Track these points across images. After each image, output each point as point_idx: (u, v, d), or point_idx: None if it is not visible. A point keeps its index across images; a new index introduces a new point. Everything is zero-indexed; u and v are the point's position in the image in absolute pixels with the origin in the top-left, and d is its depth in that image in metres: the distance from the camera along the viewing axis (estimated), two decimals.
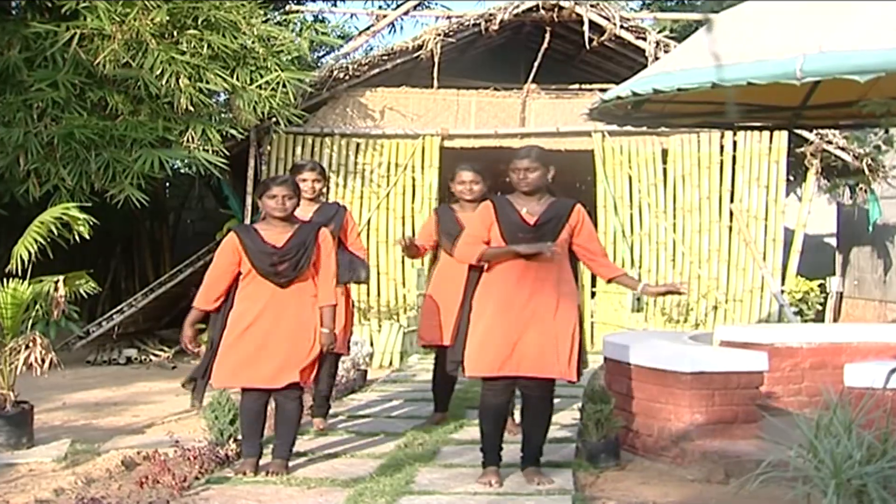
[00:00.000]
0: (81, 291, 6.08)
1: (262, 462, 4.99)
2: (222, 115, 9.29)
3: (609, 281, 5.02)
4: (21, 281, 5.63)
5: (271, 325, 4.85)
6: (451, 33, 10.59)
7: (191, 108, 8.65)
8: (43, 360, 5.44)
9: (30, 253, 5.85)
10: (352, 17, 12.29)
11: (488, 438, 4.75)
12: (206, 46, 8.68)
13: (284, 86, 8.96)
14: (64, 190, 8.48)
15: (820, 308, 11.12)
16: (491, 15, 10.59)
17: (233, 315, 4.92)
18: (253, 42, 8.96)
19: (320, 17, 10.56)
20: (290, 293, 4.89)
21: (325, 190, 6.12)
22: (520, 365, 4.61)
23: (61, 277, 5.86)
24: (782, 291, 10.59)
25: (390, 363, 9.42)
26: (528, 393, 4.76)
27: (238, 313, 4.91)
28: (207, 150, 8.85)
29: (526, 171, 4.68)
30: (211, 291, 4.95)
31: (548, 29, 10.77)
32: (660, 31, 11.54)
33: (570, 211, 4.72)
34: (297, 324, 4.88)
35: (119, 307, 10.18)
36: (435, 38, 10.47)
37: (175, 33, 8.74)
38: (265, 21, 9.31)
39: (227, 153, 9.22)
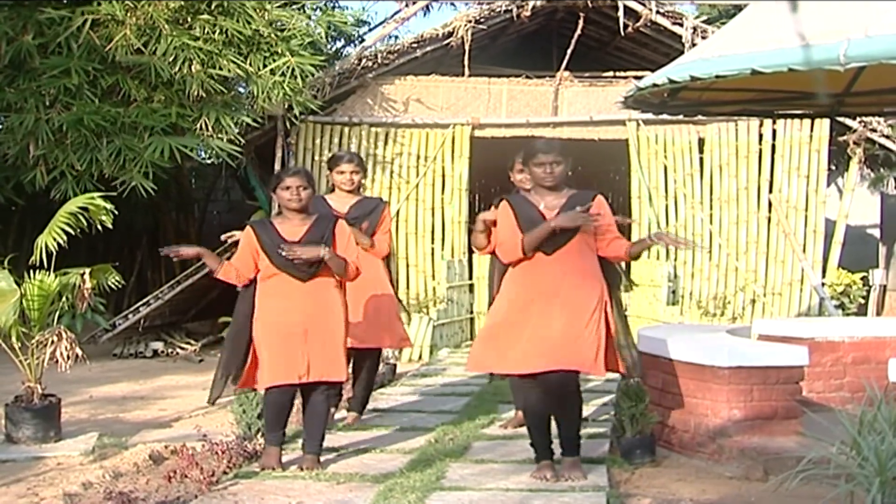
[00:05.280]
0: (107, 284, 6.05)
1: (288, 457, 4.93)
2: (237, 103, 9.18)
3: (630, 258, 4.74)
4: (46, 273, 5.60)
5: (298, 321, 4.77)
6: (482, 20, 10.48)
7: (203, 95, 8.56)
8: (69, 355, 5.41)
9: (57, 244, 5.80)
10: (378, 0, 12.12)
11: (534, 434, 4.70)
12: (219, 32, 8.60)
13: (296, 72, 8.84)
14: (70, 176, 8.44)
15: (862, 301, 10.87)
16: (523, 1, 10.45)
17: (258, 314, 4.85)
18: (264, 27, 8.83)
19: (336, 4, 10.42)
20: (313, 288, 4.82)
21: (364, 182, 6.03)
22: (542, 360, 4.48)
23: (87, 270, 5.82)
24: (823, 284, 10.38)
25: (420, 357, 9.34)
26: (549, 385, 4.60)
27: (263, 311, 4.84)
28: (222, 139, 8.78)
29: (552, 165, 4.58)
30: (234, 270, 4.89)
31: (581, 15, 10.66)
32: (697, 17, 11.34)
33: (590, 202, 4.61)
34: (323, 319, 4.81)
35: (145, 300, 10.19)
36: (465, 25, 10.37)
37: (189, 19, 8.66)
38: (281, 6, 9.17)
39: (243, 141, 9.12)
